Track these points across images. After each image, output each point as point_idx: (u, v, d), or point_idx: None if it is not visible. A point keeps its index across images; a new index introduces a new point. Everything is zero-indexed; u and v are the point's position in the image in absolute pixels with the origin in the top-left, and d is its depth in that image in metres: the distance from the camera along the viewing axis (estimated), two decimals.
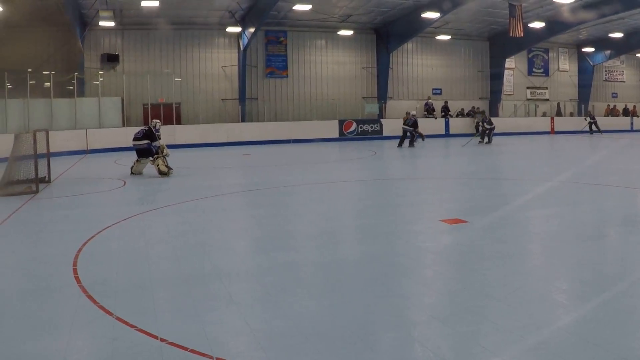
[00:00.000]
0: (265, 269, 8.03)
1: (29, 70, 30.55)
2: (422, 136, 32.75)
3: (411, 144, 30.85)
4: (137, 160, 19.45)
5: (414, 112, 32.52)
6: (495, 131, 34.10)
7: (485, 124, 34.52)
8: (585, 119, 42.92)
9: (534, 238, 10.06)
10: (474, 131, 37.43)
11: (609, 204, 13.45)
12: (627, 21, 39.75)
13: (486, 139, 34.11)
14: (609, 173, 18.93)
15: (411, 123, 31.01)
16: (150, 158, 19.11)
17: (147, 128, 19.68)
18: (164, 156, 19.05)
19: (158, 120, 21.23)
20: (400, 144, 30.64)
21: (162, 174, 18.69)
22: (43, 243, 10.25)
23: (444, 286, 7.22)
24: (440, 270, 7.96)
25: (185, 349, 5.30)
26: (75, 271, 7.89)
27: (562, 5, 34.34)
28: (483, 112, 40.51)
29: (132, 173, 19.46)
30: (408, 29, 39.13)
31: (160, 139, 19.73)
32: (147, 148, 19.20)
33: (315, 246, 9.57)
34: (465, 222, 10.71)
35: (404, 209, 12.89)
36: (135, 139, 19.56)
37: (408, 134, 30.83)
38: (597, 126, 42.28)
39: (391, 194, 15.61)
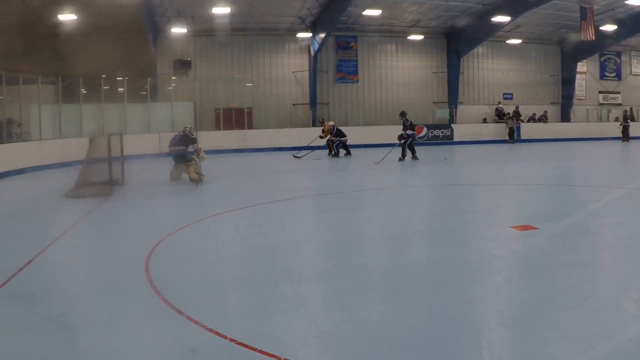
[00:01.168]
0: (334, 272, 8.10)
1: (103, 76, 31.14)
2: (346, 148, 29.03)
3: (410, 154, 26.58)
4: (175, 166, 19.64)
5: (332, 122, 29.77)
6: (567, 136, 33.61)
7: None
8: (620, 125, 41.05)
9: (605, 246, 9.86)
10: (509, 137, 37.26)
11: None
12: None
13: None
14: None
15: (335, 132, 28.91)
16: (185, 165, 19.24)
17: (182, 133, 19.78)
18: (199, 159, 19.15)
19: (189, 125, 21.44)
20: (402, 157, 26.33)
21: (192, 180, 18.74)
22: (116, 243, 10.47)
23: (512, 293, 7.16)
24: (509, 277, 7.88)
25: (254, 349, 5.36)
26: (147, 271, 8.07)
27: (634, 7, 33.78)
28: (514, 117, 39.94)
29: (170, 179, 19.63)
30: (478, 33, 38.83)
31: (196, 142, 19.82)
32: (182, 154, 19.32)
33: (384, 250, 9.55)
34: (536, 228, 10.57)
35: (474, 215, 12.78)
36: (171, 144, 19.70)
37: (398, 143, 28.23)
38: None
39: (461, 199, 15.52)
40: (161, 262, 8.65)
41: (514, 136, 37.17)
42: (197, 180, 18.64)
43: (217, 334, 5.74)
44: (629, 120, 41.04)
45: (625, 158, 29.46)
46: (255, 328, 5.93)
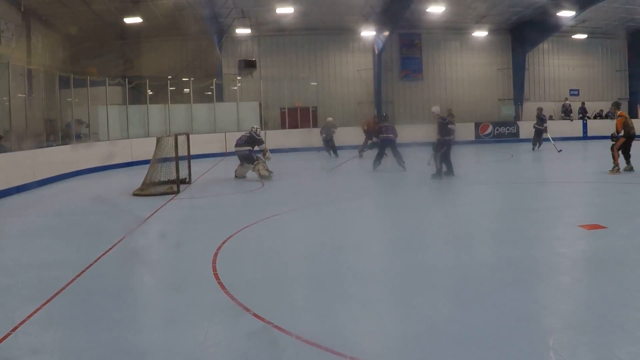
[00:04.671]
0: (401, 270, 8.13)
1: (169, 77, 31.54)
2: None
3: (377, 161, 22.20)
4: (240, 165, 19.90)
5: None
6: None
7: (535, 125, 30.81)
8: None
9: None
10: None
11: None
12: None
13: (537, 145, 30.23)
14: None
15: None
16: (251, 165, 19.51)
17: (248, 134, 20.03)
18: (265, 159, 19.28)
19: (256, 125, 21.67)
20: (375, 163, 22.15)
21: (262, 177, 19.06)
22: (184, 240, 10.66)
23: (580, 294, 7.09)
24: (577, 277, 7.82)
25: (320, 347, 5.41)
26: (214, 268, 8.22)
27: None
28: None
29: (235, 177, 19.94)
30: (543, 29, 38.24)
31: (263, 142, 19.90)
32: (247, 154, 19.59)
33: (451, 249, 9.53)
34: (604, 227, 10.42)
35: (542, 213, 12.67)
36: (237, 144, 19.92)
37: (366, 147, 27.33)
38: None
39: (528, 198, 15.36)
40: (228, 260, 8.79)
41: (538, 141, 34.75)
42: (267, 176, 18.92)
43: (284, 330, 5.80)
44: None
45: None
46: (321, 326, 6.00)
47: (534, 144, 30.22)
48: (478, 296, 6.97)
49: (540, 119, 30.37)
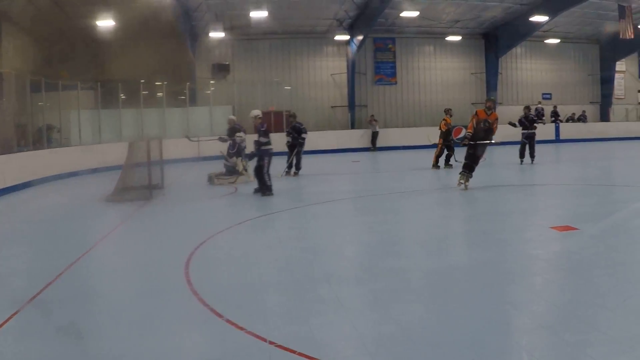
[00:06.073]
0: (374, 274, 8.08)
1: (142, 81, 31.41)
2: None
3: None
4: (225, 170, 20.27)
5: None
6: (606, 136, 33.09)
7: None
8: None
9: None
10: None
11: None
12: None
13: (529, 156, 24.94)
14: None
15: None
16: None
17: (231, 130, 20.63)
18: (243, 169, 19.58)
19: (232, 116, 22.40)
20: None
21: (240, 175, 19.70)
22: (156, 247, 10.63)
23: (553, 294, 7.13)
24: (550, 278, 7.83)
25: (293, 351, 5.38)
26: (187, 274, 8.12)
27: None
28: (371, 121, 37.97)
29: (209, 182, 20.04)
30: (516, 33, 38.68)
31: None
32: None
33: (425, 252, 9.54)
34: (576, 229, 10.49)
35: (514, 216, 12.75)
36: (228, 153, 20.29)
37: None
38: None
39: (501, 201, 15.36)
40: (201, 265, 8.73)
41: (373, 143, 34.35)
42: (245, 176, 19.58)
43: (257, 336, 5.76)
44: None
45: None
46: (294, 330, 5.96)
47: (522, 156, 25.07)
48: (451, 298, 6.97)
49: (530, 121, 25.11)
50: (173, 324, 6.34)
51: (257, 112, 18.22)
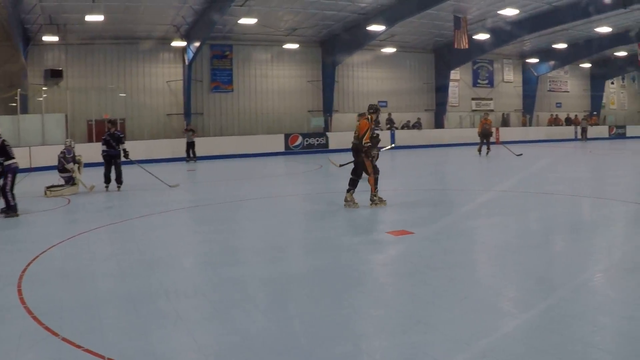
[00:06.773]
0: (212, 285, 8.01)
1: None
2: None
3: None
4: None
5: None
6: (441, 142, 33.89)
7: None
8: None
9: (479, 247, 10.17)
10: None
11: (552, 212, 13.62)
12: (570, 32, 40.74)
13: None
14: (553, 182, 19.03)
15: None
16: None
17: (61, 154, 19.98)
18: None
19: (68, 140, 21.52)
20: None
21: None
22: None
23: (391, 297, 7.26)
24: (387, 281, 7.98)
25: None
26: (19, 292, 7.72)
27: (506, 17, 34.83)
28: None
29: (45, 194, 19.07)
30: (353, 42, 39.31)
31: (73, 161, 19.82)
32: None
33: (263, 261, 9.50)
34: (411, 233, 10.78)
35: (351, 222, 12.89)
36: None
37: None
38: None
39: (334, 208, 15.43)
40: (34, 282, 8.31)
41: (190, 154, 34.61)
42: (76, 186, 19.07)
43: (95, 354, 5.56)
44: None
45: (499, 162, 29.96)
46: (133, 346, 5.82)
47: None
48: (291, 306, 6.99)
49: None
50: (6, 345, 5.99)
51: None
